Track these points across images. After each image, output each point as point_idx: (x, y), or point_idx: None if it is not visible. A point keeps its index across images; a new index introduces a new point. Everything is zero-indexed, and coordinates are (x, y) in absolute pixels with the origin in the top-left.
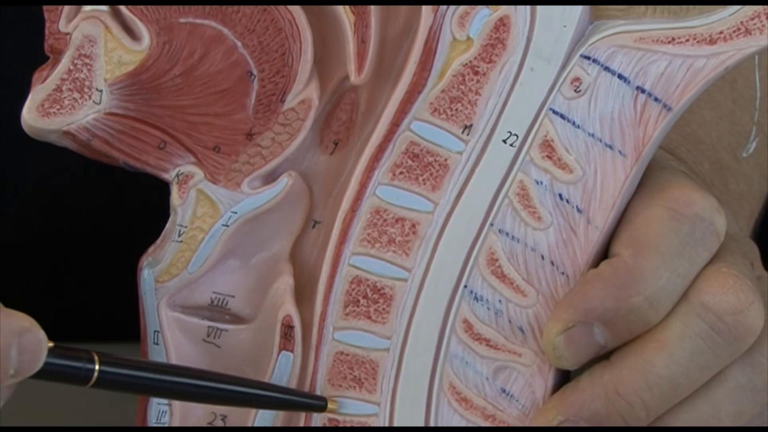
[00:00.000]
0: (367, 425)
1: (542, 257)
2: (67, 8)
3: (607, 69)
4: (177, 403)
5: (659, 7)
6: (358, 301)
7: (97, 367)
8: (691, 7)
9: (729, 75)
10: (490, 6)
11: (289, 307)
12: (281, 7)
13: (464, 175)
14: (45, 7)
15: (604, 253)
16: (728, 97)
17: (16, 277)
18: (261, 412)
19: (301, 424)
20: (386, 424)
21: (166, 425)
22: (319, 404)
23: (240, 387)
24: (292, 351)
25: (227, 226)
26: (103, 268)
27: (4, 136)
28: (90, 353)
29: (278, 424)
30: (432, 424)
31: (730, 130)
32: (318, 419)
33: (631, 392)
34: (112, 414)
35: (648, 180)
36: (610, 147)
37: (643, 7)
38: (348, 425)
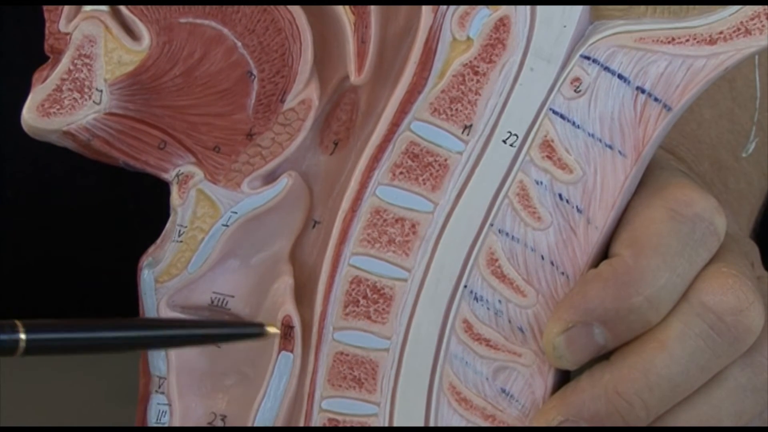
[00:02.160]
0: (366, 425)
1: (542, 257)
2: (67, 8)
3: (607, 69)
4: (176, 403)
5: (659, 7)
6: (358, 301)
7: (23, 336)
8: (691, 7)
9: (728, 73)
10: (490, 6)
11: (288, 307)
12: (281, 7)
13: (464, 175)
14: (45, 7)
15: (604, 253)
16: (727, 95)
17: (10, 267)
18: (261, 411)
19: (301, 424)
20: (386, 424)
21: (166, 425)
22: (257, 331)
23: (170, 330)
24: (291, 351)
25: (227, 226)
26: (102, 258)
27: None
28: (14, 323)
29: (278, 424)
30: (432, 424)
31: (729, 129)
32: (318, 420)
33: (631, 392)
34: (112, 414)
35: (648, 180)
36: (610, 147)
37: (643, 7)
38: (348, 425)
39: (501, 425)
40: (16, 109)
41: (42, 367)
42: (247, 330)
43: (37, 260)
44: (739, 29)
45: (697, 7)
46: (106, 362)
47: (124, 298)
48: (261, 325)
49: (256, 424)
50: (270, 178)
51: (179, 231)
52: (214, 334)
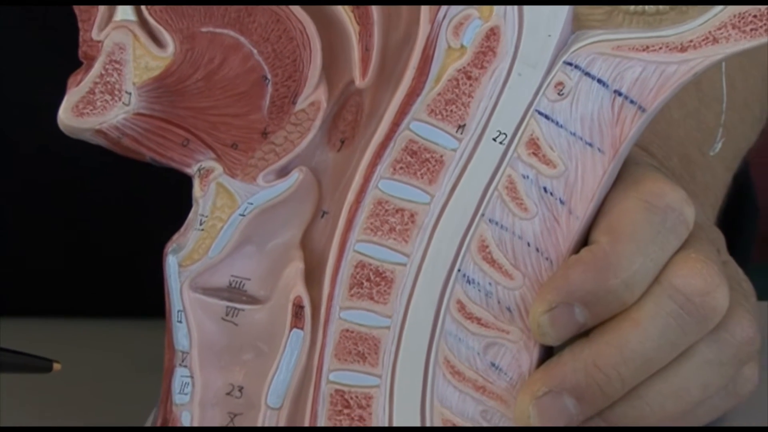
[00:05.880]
0: (369, 396)
1: (528, 244)
2: (99, 18)
3: (587, 74)
4: (198, 375)
5: (635, 18)
6: (362, 283)
7: None
8: (663, 17)
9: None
10: (481, 16)
11: (299, 289)
12: (293, 18)
13: (458, 170)
14: (79, 17)
15: (584, 241)
16: (694, 96)
17: (33, 257)
18: (274, 383)
19: (310, 395)
20: (387, 395)
21: (188, 395)
22: (44, 365)
23: None
24: (302, 329)
25: (244, 215)
26: (124, 247)
27: (13, 111)
28: None
29: (290, 395)
30: (428, 394)
31: (696, 127)
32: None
33: (608, 365)
34: (112, 413)
35: (624, 174)
36: (590, 145)
37: (620, 18)
38: (352, 395)
39: (491, 396)
40: (42, 109)
41: (75, 340)
42: (36, 363)
43: (60, 251)
44: (707, 38)
45: (671, 13)
46: (137, 337)
47: (142, 283)
48: (49, 361)
49: (269, 395)
50: (283, 173)
51: (200, 220)
52: (4, 362)
